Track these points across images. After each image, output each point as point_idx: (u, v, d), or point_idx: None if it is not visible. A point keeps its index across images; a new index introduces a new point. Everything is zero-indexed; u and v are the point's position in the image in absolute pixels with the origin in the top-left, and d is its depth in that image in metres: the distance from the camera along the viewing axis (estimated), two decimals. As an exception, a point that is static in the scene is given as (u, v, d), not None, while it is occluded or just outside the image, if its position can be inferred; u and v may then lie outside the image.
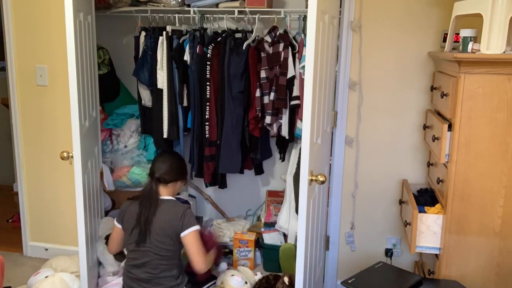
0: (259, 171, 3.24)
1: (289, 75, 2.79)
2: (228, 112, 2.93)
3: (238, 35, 3.03)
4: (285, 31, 2.89)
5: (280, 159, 3.28)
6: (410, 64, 2.65)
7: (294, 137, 2.96)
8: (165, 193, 2.46)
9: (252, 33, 2.94)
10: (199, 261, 2.32)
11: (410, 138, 2.72)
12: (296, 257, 3.00)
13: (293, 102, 2.84)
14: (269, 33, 2.87)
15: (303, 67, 2.73)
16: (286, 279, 2.59)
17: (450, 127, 2.09)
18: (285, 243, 3.00)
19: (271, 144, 3.23)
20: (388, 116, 2.72)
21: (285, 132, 2.94)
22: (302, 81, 2.78)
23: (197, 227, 2.35)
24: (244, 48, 2.86)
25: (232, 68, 2.89)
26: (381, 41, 2.65)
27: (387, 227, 2.84)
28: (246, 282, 2.76)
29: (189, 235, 2.32)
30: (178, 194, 2.90)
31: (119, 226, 2.48)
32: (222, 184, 3.16)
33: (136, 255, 2.36)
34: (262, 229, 3.19)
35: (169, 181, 2.46)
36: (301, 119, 2.84)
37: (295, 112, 2.89)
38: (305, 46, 2.73)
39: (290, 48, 2.80)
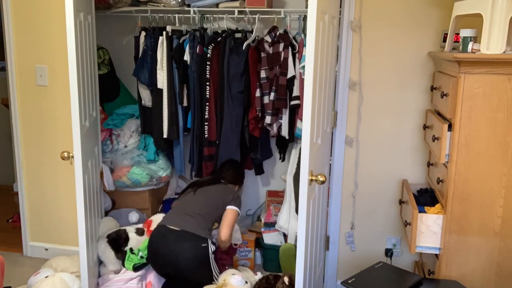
0: (259, 171, 3.24)
1: (289, 75, 2.80)
2: (228, 112, 2.93)
3: (238, 35, 3.03)
4: (285, 31, 2.89)
5: (280, 159, 3.28)
6: (410, 64, 2.65)
7: (294, 137, 2.96)
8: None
9: (252, 33, 2.94)
10: (225, 231, 2.69)
11: (410, 138, 2.72)
12: (296, 257, 3.01)
13: (293, 102, 2.84)
14: (269, 33, 2.87)
15: (303, 67, 2.73)
16: (286, 279, 2.59)
17: (450, 127, 2.09)
18: (285, 243, 3.00)
19: (271, 144, 3.23)
20: (388, 116, 2.72)
21: (285, 132, 2.94)
22: (302, 81, 2.78)
23: (239, 210, 2.76)
24: (244, 48, 2.86)
25: (232, 68, 2.89)
26: (381, 41, 2.65)
27: (387, 227, 2.84)
28: (246, 282, 2.76)
29: (231, 210, 2.72)
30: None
31: None
32: None
33: (183, 206, 2.72)
34: (262, 229, 3.19)
35: (229, 182, 2.91)
36: (301, 119, 2.85)
37: (295, 112, 2.89)
38: (305, 46, 2.73)
39: (290, 48, 2.80)
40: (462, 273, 2.13)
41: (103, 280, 2.82)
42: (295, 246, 3.00)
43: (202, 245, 2.54)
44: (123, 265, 2.85)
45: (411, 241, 2.21)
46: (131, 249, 2.85)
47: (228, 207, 2.73)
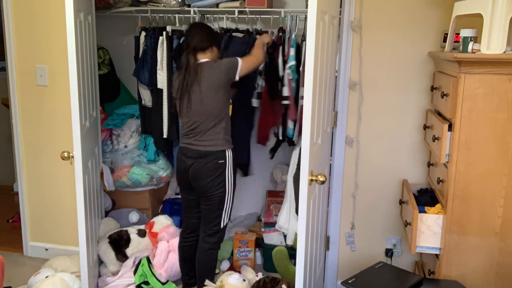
0: (246, 172, 3.23)
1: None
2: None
3: (240, 34, 3.03)
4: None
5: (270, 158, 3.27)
6: (410, 64, 2.65)
7: (285, 137, 2.98)
8: (204, 58, 2.54)
9: (253, 33, 2.95)
10: (257, 57, 2.58)
11: (410, 138, 2.72)
12: (289, 258, 3.01)
13: (283, 102, 2.86)
14: (278, 33, 2.89)
15: (290, 67, 2.74)
16: (284, 287, 2.58)
17: (450, 127, 2.09)
18: (277, 247, 3.00)
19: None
20: (388, 116, 2.72)
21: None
22: (290, 81, 2.80)
23: (239, 60, 2.51)
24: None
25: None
26: (382, 41, 2.65)
27: (387, 227, 2.84)
28: (244, 280, 2.76)
29: (240, 66, 2.50)
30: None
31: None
32: None
33: (189, 117, 2.51)
34: (262, 229, 3.19)
35: (206, 48, 2.53)
36: (291, 119, 2.86)
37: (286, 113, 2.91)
38: (292, 47, 2.75)
39: (281, 48, 2.83)
40: (462, 273, 2.13)
41: (102, 283, 2.82)
42: (287, 247, 3.02)
43: (219, 161, 2.50)
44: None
45: (411, 241, 2.21)
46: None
47: (238, 72, 2.51)
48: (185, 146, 2.56)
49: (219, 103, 2.49)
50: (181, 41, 2.96)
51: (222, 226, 2.61)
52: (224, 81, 2.48)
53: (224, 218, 2.60)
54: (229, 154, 2.53)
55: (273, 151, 3.21)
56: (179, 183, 2.67)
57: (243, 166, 3.19)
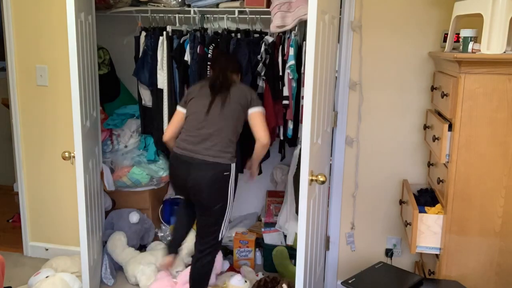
0: (259, 171, 3.23)
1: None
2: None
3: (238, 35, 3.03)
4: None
5: (281, 160, 3.28)
6: (411, 64, 2.65)
7: (285, 137, 2.98)
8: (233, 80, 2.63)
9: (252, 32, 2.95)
10: (264, 134, 2.52)
11: (411, 138, 2.72)
12: (289, 258, 3.01)
13: (283, 102, 2.87)
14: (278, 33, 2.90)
15: (290, 66, 2.74)
16: (285, 286, 2.58)
17: (450, 127, 2.09)
18: (277, 247, 3.00)
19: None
20: (389, 116, 2.72)
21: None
22: (290, 81, 2.80)
23: (262, 108, 2.57)
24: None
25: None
26: (382, 41, 2.65)
27: (387, 227, 2.84)
28: (246, 281, 2.76)
29: (257, 113, 2.53)
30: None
31: (183, 110, 2.60)
32: None
33: (205, 124, 2.47)
34: (262, 229, 3.20)
35: (238, 72, 2.71)
36: (290, 119, 2.86)
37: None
38: (292, 47, 2.76)
39: (280, 48, 2.85)
40: (462, 273, 2.13)
41: None
42: (287, 247, 3.02)
43: (224, 173, 2.44)
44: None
45: (411, 241, 2.21)
46: None
47: (251, 110, 2.53)
48: (187, 154, 2.45)
49: (238, 121, 2.51)
50: (181, 41, 2.96)
51: (220, 238, 2.53)
52: (246, 104, 2.52)
53: (222, 230, 2.51)
54: (233, 167, 2.48)
55: (281, 151, 3.21)
56: (176, 189, 2.69)
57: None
